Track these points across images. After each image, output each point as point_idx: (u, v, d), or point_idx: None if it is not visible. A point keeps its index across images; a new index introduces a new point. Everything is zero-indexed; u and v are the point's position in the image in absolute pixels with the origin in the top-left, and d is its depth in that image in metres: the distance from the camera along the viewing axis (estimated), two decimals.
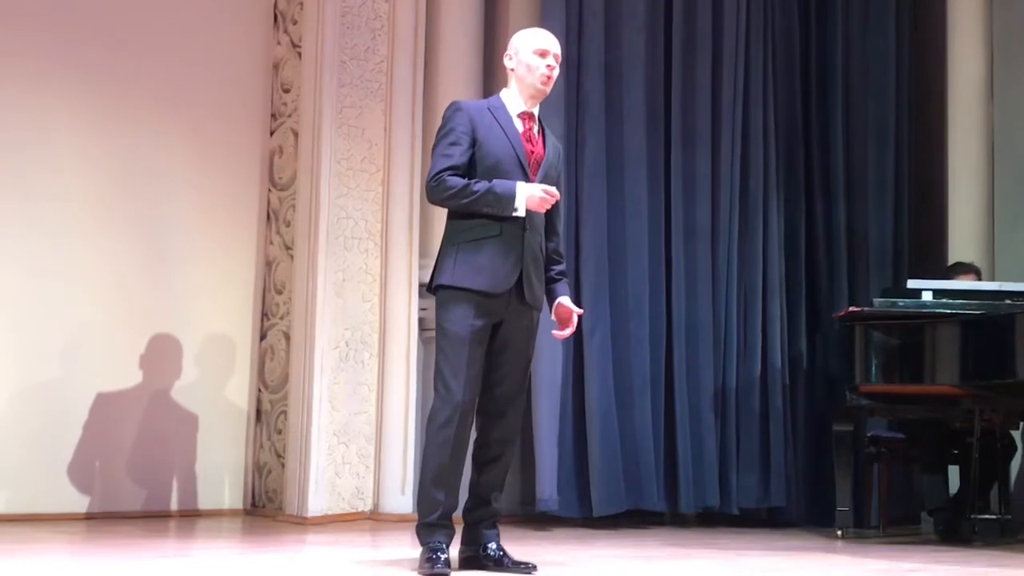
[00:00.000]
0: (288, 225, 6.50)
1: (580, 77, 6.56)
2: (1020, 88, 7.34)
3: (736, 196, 6.90)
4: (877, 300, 5.93)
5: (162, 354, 6.26)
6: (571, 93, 6.51)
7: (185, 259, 6.36)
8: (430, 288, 4.31)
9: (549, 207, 4.21)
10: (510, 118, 4.32)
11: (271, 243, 6.61)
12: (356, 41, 6.38)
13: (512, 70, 4.38)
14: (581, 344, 6.38)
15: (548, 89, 4.36)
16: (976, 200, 7.35)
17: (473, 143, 4.24)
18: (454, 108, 4.33)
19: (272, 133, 6.67)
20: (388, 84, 6.42)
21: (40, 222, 5.95)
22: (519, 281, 4.20)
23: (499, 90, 4.46)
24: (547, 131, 4.43)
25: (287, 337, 6.41)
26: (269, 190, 6.65)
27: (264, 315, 6.59)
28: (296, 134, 6.49)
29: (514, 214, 4.15)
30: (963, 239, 7.26)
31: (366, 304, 6.33)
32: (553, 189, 4.21)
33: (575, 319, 4.36)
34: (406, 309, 6.26)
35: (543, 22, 6.50)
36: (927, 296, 5.81)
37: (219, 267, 6.48)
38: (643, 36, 6.74)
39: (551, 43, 4.37)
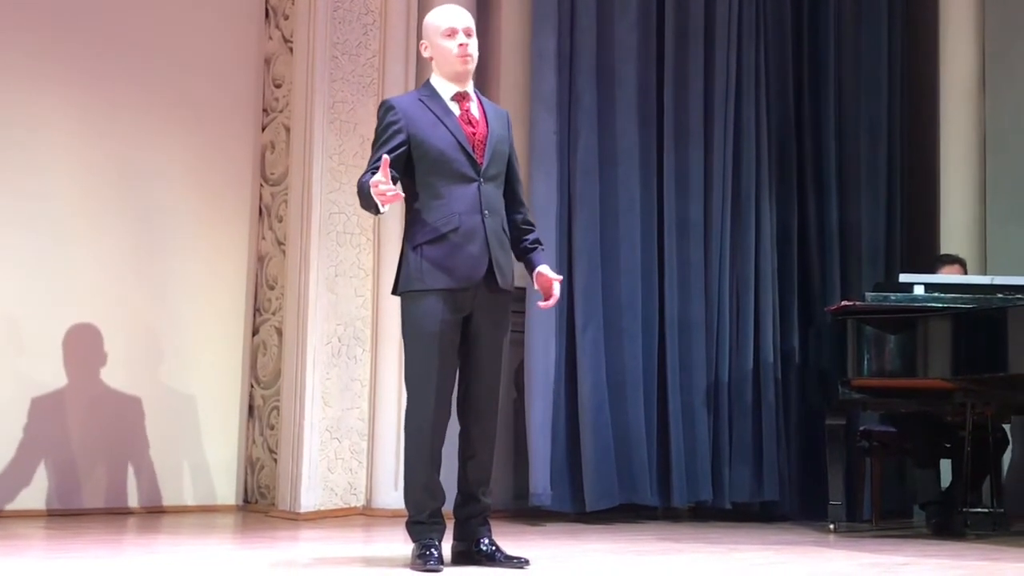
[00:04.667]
0: (280, 220, 6.49)
1: (572, 73, 6.55)
2: (1012, 83, 7.35)
3: (728, 191, 6.90)
4: (869, 294, 5.94)
5: (154, 350, 6.26)
6: (563, 89, 6.50)
7: (177, 254, 6.35)
8: (396, 292, 4.23)
9: (394, 197, 3.95)
10: (444, 104, 4.21)
11: (263, 238, 6.60)
12: (348, 36, 6.37)
13: (431, 58, 4.27)
14: (574, 339, 6.38)
15: (470, 66, 4.23)
16: (968, 194, 7.36)
17: (407, 140, 4.14)
18: (385, 107, 4.22)
19: (264, 128, 6.67)
20: (380, 79, 6.41)
21: (30, 219, 5.93)
22: (489, 268, 4.14)
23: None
24: (486, 104, 4.31)
25: (279, 332, 6.40)
26: (261, 185, 6.64)
27: (256, 310, 6.59)
28: (288, 129, 6.48)
29: (384, 210, 4.01)
30: (955, 233, 7.28)
31: (359, 299, 6.32)
32: (378, 178, 3.92)
33: (556, 287, 4.27)
34: (399, 305, 6.24)
35: (535, 17, 6.51)
36: (919, 290, 5.81)
37: (211, 262, 6.47)
38: (635, 32, 6.74)
39: (458, 18, 4.24)
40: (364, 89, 6.40)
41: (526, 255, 4.34)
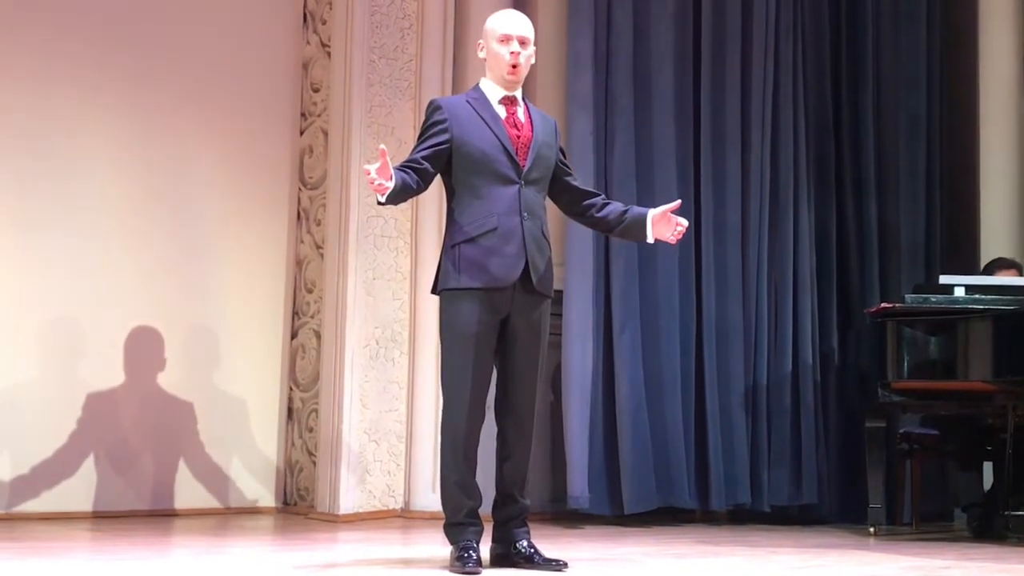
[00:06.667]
0: (319, 224, 6.53)
1: (609, 74, 6.54)
2: None
3: (766, 192, 6.87)
4: (909, 296, 5.90)
5: (193, 353, 6.30)
6: (600, 90, 6.50)
7: (216, 258, 6.40)
8: (434, 291, 4.27)
9: (377, 188, 3.98)
10: (491, 106, 4.24)
11: (302, 242, 6.64)
12: (385, 40, 6.40)
13: (484, 60, 4.30)
14: (611, 341, 6.37)
15: (519, 75, 4.25)
16: (1009, 194, 7.31)
17: (450, 140, 4.17)
18: (433, 107, 4.27)
19: (302, 132, 6.70)
20: (417, 82, 6.44)
21: (72, 223, 5.99)
22: (525, 270, 4.16)
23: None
24: (533, 110, 4.34)
25: (318, 336, 6.43)
26: (299, 189, 6.68)
27: (295, 314, 6.62)
28: (326, 133, 6.51)
29: (380, 201, 4.03)
30: (995, 234, 7.22)
31: (396, 302, 6.35)
32: (368, 168, 3.96)
33: (677, 218, 4.30)
34: (436, 307, 6.26)
35: (571, 18, 6.51)
36: (959, 292, 5.77)
37: (250, 266, 6.51)
38: (672, 31, 6.72)
39: (515, 25, 4.26)
40: (401, 93, 6.42)
41: (625, 215, 4.36)
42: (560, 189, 4.40)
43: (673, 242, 4.39)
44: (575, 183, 4.43)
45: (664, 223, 4.33)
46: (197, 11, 6.44)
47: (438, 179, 4.32)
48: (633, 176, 6.52)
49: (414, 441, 6.27)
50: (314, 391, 6.42)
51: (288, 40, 6.72)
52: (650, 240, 4.36)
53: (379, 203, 4.09)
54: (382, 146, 4.04)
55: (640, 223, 4.34)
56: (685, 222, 4.36)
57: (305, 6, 6.73)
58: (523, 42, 4.26)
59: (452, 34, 6.49)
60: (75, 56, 6.06)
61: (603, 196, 4.49)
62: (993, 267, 6.48)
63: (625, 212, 4.38)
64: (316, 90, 6.65)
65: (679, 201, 4.41)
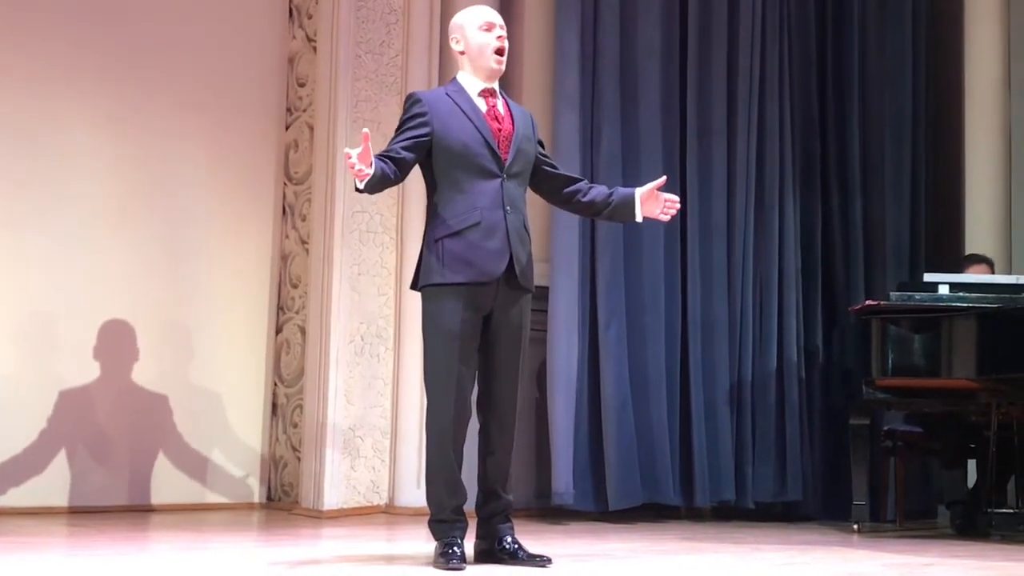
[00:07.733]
0: (304, 219, 6.51)
1: (595, 70, 6.54)
2: None
3: (752, 190, 6.88)
4: (894, 294, 5.92)
5: (178, 348, 6.28)
6: (586, 86, 6.50)
7: (201, 253, 6.38)
8: (415, 286, 4.25)
9: (357, 173, 3.92)
10: (471, 99, 4.23)
11: (287, 237, 6.62)
12: (371, 35, 6.38)
13: (462, 53, 4.28)
14: (597, 338, 6.38)
15: (503, 63, 4.26)
16: (993, 194, 7.33)
17: (431, 133, 4.15)
18: (412, 99, 4.25)
19: (287, 127, 6.68)
20: (403, 78, 6.43)
21: (57, 219, 5.97)
22: (509, 264, 4.14)
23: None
24: (512, 103, 4.34)
25: (303, 331, 6.42)
26: (285, 184, 6.66)
27: (280, 309, 6.61)
28: (311, 128, 6.50)
29: (359, 187, 3.98)
30: (980, 233, 7.25)
31: (381, 298, 6.34)
32: (349, 153, 3.89)
33: (665, 195, 4.30)
34: (421, 303, 6.25)
35: (558, 16, 6.51)
36: (943, 290, 5.79)
37: (235, 261, 6.50)
38: (659, 29, 6.73)
39: (494, 15, 4.30)
40: (387, 88, 6.41)
41: (611, 196, 4.35)
42: (542, 178, 4.39)
43: (665, 219, 4.38)
44: (557, 171, 4.42)
45: (652, 201, 4.33)
46: (183, 6, 6.41)
47: (417, 172, 4.31)
48: (619, 173, 6.52)
49: (399, 437, 6.26)
50: (299, 386, 6.41)
51: (274, 35, 6.70)
52: (638, 219, 4.34)
53: (357, 189, 4.05)
54: (365, 130, 4.00)
55: (628, 203, 4.33)
56: (675, 198, 4.35)
57: (291, 1, 6.71)
58: (503, 29, 4.28)
59: (438, 29, 6.47)
60: (62, 55, 6.03)
61: (586, 181, 4.48)
62: (965, 263, 6.51)
63: (611, 194, 4.38)
64: (302, 85, 6.63)
65: (665, 177, 4.40)
